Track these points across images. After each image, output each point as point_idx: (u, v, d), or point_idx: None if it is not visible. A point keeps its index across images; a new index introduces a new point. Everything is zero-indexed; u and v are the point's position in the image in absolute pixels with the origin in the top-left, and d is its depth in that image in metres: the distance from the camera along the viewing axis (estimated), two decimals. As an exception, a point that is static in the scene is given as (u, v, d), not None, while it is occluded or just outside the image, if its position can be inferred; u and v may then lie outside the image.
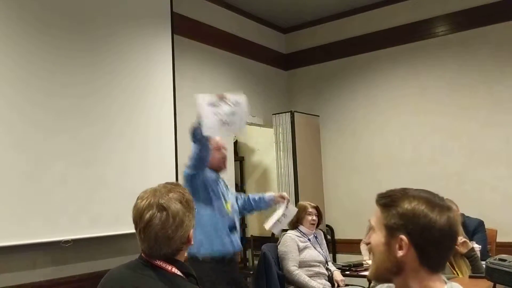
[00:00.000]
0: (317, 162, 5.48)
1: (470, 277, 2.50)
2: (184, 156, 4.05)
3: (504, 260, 2.04)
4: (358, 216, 4.87)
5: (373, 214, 1.17)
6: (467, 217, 3.88)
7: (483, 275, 2.20)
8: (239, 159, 5.69)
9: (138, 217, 1.41)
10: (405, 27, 5.02)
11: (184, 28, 4.38)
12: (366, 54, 5.30)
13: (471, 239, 3.71)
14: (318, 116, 5.55)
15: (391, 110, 5.08)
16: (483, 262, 2.36)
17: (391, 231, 1.10)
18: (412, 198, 1.10)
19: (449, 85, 4.71)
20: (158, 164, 3.70)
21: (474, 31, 4.60)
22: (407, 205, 1.09)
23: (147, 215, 1.39)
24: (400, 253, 1.07)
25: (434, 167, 4.70)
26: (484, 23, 4.55)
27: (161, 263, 1.41)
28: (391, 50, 5.13)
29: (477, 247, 2.97)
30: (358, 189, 5.15)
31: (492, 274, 2.07)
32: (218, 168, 2.92)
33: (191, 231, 1.46)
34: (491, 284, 2.14)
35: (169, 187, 1.49)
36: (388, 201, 1.13)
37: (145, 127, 3.70)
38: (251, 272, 4.72)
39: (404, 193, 1.13)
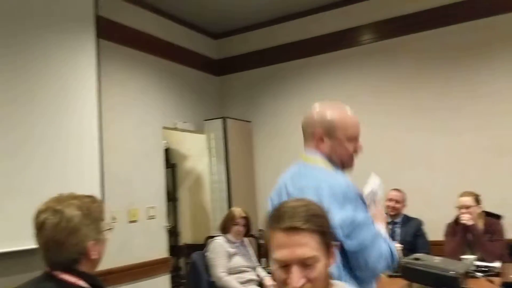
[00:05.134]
0: (250, 168, 5.50)
1: (389, 276, 2.58)
2: (111, 164, 3.97)
3: (418, 259, 2.13)
4: (290, 220, 4.93)
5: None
6: (406, 215, 4.04)
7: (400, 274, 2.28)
8: (171, 166, 5.60)
9: (34, 221, 1.38)
10: (334, 34, 5.15)
11: (111, 32, 4.26)
12: (297, 61, 5.38)
13: (412, 241, 3.86)
14: (250, 121, 5.57)
15: (321, 115, 5.18)
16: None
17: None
18: None
19: (374, 92, 4.89)
20: (81, 173, 3.57)
21: (397, 39, 4.81)
22: None
23: (41, 219, 1.36)
24: None
25: (360, 170, 4.83)
26: (405, 32, 4.76)
27: (64, 275, 1.35)
28: (321, 57, 5.25)
29: (398, 246, 3.08)
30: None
31: (407, 273, 2.14)
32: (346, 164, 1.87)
33: (91, 243, 1.40)
34: (408, 282, 2.22)
35: (76, 195, 1.45)
36: None
37: (67, 134, 3.55)
38: (183, 281, 4.65)
39: None
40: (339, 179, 1.64)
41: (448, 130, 4.54)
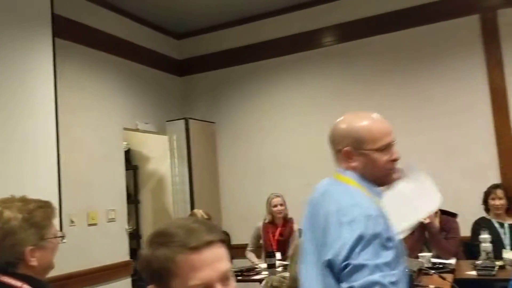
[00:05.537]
0: (213, 169, 5.47)
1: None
2: (69, 166, 3.88)
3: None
4: (254, 221, 4.93)
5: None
6: None
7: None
8: (133, 168, 5.52)
9: None
10: (294, 37, 5.20)
11: (69, 31, 4.17)
12: (261, 62, 5.40)
13: None
14: (214, 122, 5.56)
15: (281, 117, 5.23)
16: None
17: None
18: None
19: (334, 94, 4.96)
20: (37, 175, 3.47)
21: (356, 42, 4.90)
22: None
23: None
24: None
25: (319, 171, 4.87)
26: (364, 35, 4.85)
27: (5, 278, 1.32)
28: (284, 58, 5.28)
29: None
30: (253, 194, 5.22)
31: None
32: (385, 179, 1.61)
33: (29, 249, 1.37)
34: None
35: (25, 198, 1.43)
36: None
37: (23, 135, 3.45)
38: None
39: None
40: (363, 207, 1.42)
41: (405, 131, 4.62)
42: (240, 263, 4.62)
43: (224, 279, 0.97)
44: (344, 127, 1.59)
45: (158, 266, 0.95)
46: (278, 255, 3.99)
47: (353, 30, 4.90)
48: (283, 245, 4.23)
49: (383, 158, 1.53)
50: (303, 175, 5.01)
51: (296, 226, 4.32)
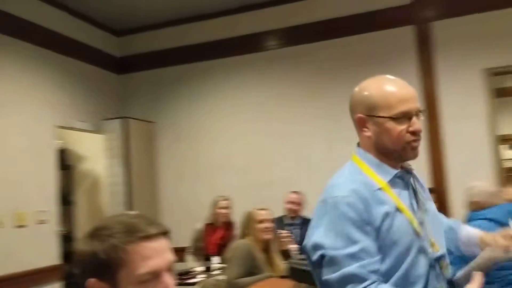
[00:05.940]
0: (152, 170, 5.36)
1: (282, 276, 2.62)
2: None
3: (305, 259, 2.17)
4: (193, 223, 4.87)
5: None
6: (304, 217, 4.14)
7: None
8: (67, 168, 5.28)
9: None
10: (238, 38, 5.19)
11: (1, 24, 3.97)
12: (204, 62, 5.35)
13: None
14: (154, 122, 5.44)
15: (228, 118, 5.21)
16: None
17: None
18: None
19: (277, 96, 5.00)
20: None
21: (300, 47, 4.95)
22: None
23: None
24: None
25: (267, 172, 4.92)
26: (307, 40, 4.92)
27: None
28: (228, 60, 5.27)
29: (296, 247, 3.15)
30: (192, 196, 5.15)
31: (294, 273, 2.19)
32: (402, 152, 1.35)
33: None
34: (295, 283, 2.26)
35: None
36: None
37: None
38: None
39: None
40: (339, 187, 1.30)
41: (347, 138, 4.71)
42: (179, 267, 4.55)
43: (170, 269, 1.01)
44: (358, 93, 1.41)
45: (106, 256, 0.96)
46: (217, 258, 3.94)
47: (297, 35, 4.96)
48: (223, 249, 4.19)
49: (398, 128, 1.31)
50: (244, 177, 5.00)
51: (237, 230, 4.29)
